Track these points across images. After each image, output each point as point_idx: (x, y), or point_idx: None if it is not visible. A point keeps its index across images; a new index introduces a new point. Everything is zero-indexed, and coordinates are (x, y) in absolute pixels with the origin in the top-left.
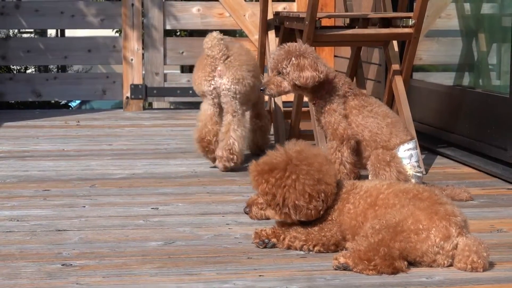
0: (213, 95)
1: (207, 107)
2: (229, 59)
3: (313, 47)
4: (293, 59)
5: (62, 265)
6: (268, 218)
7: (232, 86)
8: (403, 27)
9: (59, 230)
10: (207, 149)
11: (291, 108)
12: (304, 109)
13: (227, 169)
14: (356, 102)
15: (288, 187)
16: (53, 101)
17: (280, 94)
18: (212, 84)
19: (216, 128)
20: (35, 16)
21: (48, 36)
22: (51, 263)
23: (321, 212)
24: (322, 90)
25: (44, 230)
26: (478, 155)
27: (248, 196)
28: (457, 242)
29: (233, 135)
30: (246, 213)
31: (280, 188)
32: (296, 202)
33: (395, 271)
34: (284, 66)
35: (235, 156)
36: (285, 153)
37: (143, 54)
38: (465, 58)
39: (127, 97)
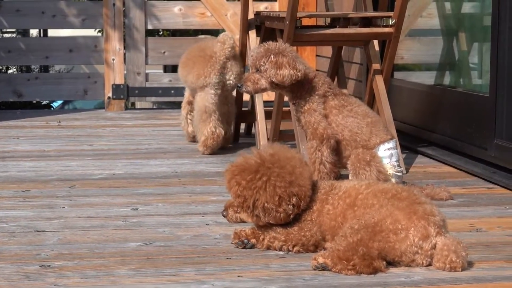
0: (217, 86)
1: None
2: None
3: (293, 47)
4: (272, 56)
5: (40, 266)
6: (243, 221)
7: (235, 80)
8: (384, 26)
9: (38, 231)
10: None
11: (272, 108)
12: (285, 108)
13: None
14: (336, 101)
15: (259, 188)
16: (34, 101)
17: (256, 91)
18: (220, 78)
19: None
20: (16, 16)
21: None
22: (30, 264)
23: (291, 216)
24: (302, 89)
25: (23, 231)
26: (458, 154)
27: (228, 197)
28: (436, 242)
29: (228, 122)
30: (224, 216)
31: (250, 190)
32: (266, 204)
33: (374, 271)
34: (262, 63)
35: (228, 140)
36: (259, 155)
37: (124, 54)
38: (446, 58)
39: (109, 97)
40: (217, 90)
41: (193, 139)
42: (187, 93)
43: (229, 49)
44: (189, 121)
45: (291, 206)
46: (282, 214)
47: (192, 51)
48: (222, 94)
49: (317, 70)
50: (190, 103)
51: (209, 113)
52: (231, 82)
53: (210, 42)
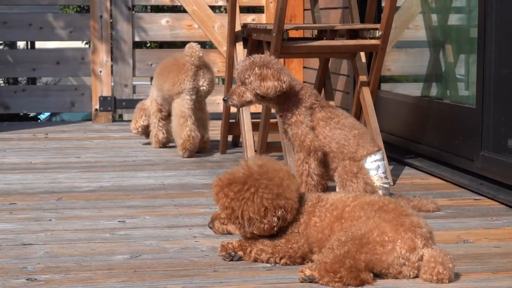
0: (192, 92)
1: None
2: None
3: (280, 59)
4: (256, 69)
5: (27, 279)
6: (230, 233)
7: (208, 86)
8: (370, 38)
9: (24, 244)
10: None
11: (259, 120)
12: (272, 120)
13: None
14: (323, 114)
15: (246, 200)
16: (21, 114)
17: (242, 104)
18: (194, 84)
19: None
20: (3, 28)
21: (18, 48)
22: (16, 277)
23: (275, 229)
24: (289, 102)
25: (10, 244)
26: (445, 165)
27: (215, 209)
28: (423, 254)
29: (204, 127)
30: (210, 228)
31: (238, 201)
32: (251, 215)
33: (361, 283)
34: (247, 76)
35: (206, 145)
36: (247, 167)
37: (112, 66)
38: (433, 69)
39: (96, 109)
40: (192, 96)
41: (163, 145)
42: (154, 102)
43: (197, 58)
44: (159, 128)
45: (275, 218)
46: (266, 226)
47: (166, 62)
48: (196, 100)
49: (304, 81)
50: (160, 110)
51: (185, 118)
52: (204, 88)
53: (182, 53)
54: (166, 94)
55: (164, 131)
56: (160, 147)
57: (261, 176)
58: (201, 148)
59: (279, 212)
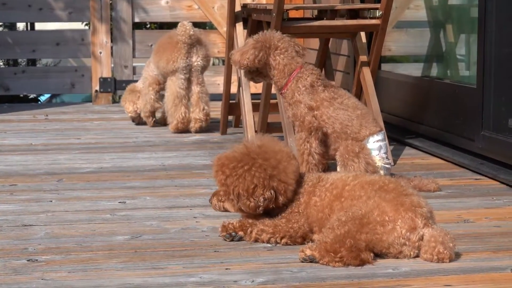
0: (185, 71)
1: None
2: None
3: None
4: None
5: (28, 260)
6: (227, 210)
7: (202, 61)
8: (371, 18)
9: (25, 225)
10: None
11: (259, 101)
12: (272, 101)
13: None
14: (326, 94)
15: (239, 176)
16: (21, 95)
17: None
18: (187, 62)
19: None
20: (3, 9)
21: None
22: (17, 258)
23: (260, 209)
24: (284, 79)
25: (10, 225)
26: (446, 145)
27: (215, 189)
28: (423, 233)
29: (204, 101)
30: (210, 203)
31: (232, 177)
32: (240, 191)
33: (361, 263)
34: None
35: (207, 117)
36: (245, 146)
37: (111, 47)
38: (433, 49)
39: (96, 91)
40: (186, 75)
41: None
42: (149, 77)
43: (189, 37)
44: (156, 99)
45: (262, 198)
46: (251, 204)
47: (162, 40)
48: (194, 75)
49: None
50: (158, 83)
51: (180, 98)
52: (199, 63)
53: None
54: (162, 71)
55: (160, 103)
56: (153, 119)
57: (258, 156)
58: (204, 122)
59: (268, 193)
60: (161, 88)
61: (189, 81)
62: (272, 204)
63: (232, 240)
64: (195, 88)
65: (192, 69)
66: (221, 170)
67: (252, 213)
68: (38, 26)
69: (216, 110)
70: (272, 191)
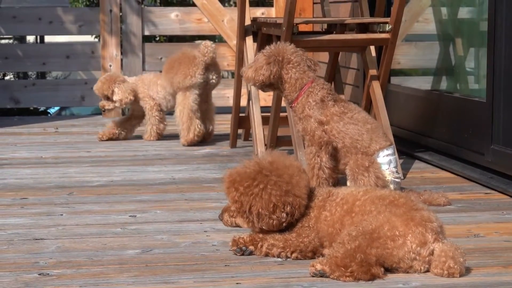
0: (201, 86)
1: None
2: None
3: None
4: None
5: (39, 274)
6: (238, 226)
7: (216, 79)
8: (380, 32)
9: (36, 239)
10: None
11: (269, 114)
12: (282, 114)
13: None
14: (336, 108)
15: (255, 195)
16: (31, 108)
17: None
18: (204, 78)
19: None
20: (13, 22)
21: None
22: (28, 272)
23: (284, 224)
24: (295, 93)
25: (22, 239)
26: (456, 159)
27: (226, 203)
28: (434, 248)
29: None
30: (220, 219)
31: (247, 196)
32: (260, 210)
33: (372, 277)
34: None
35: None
36: (257, 163)
37: (121, 60)
38: (443, 63)
39: None
40: (200, 91)
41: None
42: (155, 95)
43: (210, 59)
44: (160, 119)
45: (284, 214)
46: (275, 221)
47: (174, 57)
48: (204, 92)
49: None
50: (159, 108)
51: (194, 112)
52: (213, 81)
53: (189, 48)
54: (176, 87)
55: (164, 123)
56: (158, 139)
57: (271, 173)
58: (205, 139)
59: (288, 208)
60: (163, 110)
61: (199, 96)
62: (291, 218)
63: (242, 255)
64: (202, 106)
65: (207, 86)
66: (233, 186)
67: (275, 230)
68: (48, 38)
69: (226, 123)
70: (290, 206)
